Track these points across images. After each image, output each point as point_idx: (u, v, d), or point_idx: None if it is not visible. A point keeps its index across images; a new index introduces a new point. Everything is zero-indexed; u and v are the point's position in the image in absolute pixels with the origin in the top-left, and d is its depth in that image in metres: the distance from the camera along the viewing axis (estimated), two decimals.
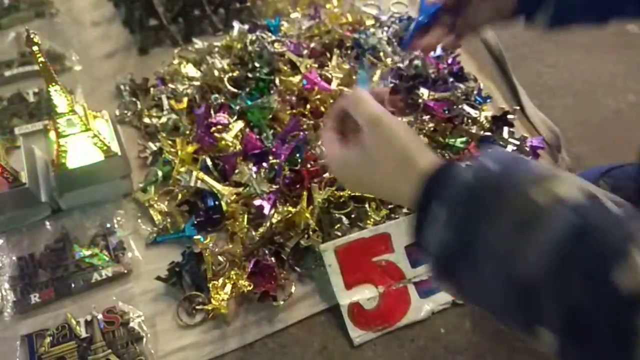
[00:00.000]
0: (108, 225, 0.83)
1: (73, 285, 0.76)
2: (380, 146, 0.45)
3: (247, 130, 0.92)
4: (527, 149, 0.92)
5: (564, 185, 0.37)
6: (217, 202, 0.83)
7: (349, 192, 0.83)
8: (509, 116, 0.94)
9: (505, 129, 0.93)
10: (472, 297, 0.42)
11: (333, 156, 0.50)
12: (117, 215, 0.84)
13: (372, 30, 1.10)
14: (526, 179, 0.39)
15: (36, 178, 0.82)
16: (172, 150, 0.88)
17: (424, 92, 0.93)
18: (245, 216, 0.82)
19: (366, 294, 0.74)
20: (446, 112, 0.92)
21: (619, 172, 0.85)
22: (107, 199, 0.85)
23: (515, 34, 1.17)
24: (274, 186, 0.84)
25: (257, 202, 0.82)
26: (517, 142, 0.90)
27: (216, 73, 0.97)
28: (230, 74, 0.97)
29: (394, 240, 0.78)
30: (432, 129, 0.91)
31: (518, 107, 0.99)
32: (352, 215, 0.83)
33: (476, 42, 1.11)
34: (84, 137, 0.78)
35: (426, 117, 0.92)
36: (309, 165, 0.86)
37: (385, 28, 1.13)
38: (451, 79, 0.99)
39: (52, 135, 0.81)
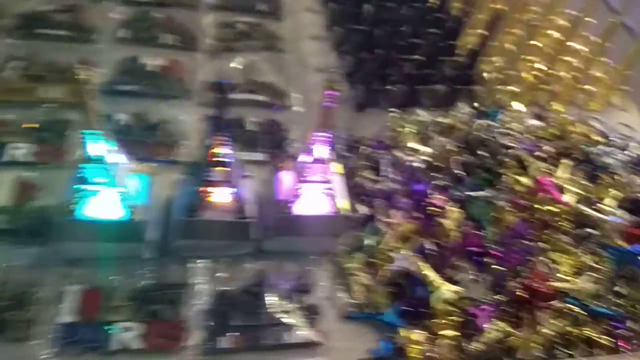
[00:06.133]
0: (305, 282, 0.76)
1: (261, 340, 0.69)
2: None
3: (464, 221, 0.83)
4: None
5: None
6: (427, 294, 0.74)
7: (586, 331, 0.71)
8: None
9: None
10: None
11: None
12: (316, 273, 0.77)
13: (606, 148, 1.00)
14: None
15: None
16: (387, 220, 0.81)
17: None
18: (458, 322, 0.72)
19: None
20: None
21: None
22: (309, 252, 0.79)
23: None
24: (495, 296, 0.74)
25: (472, 309, 0.72)
26: None
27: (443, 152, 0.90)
28: (458, 157, 0.90)
29: None
30: None
31: None
32: None
33: None
34: (319, 188, 0.74)
35: None
36: (534, 285, 0.75)
37: (616, 149, 1.02)
38: None
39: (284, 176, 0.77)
